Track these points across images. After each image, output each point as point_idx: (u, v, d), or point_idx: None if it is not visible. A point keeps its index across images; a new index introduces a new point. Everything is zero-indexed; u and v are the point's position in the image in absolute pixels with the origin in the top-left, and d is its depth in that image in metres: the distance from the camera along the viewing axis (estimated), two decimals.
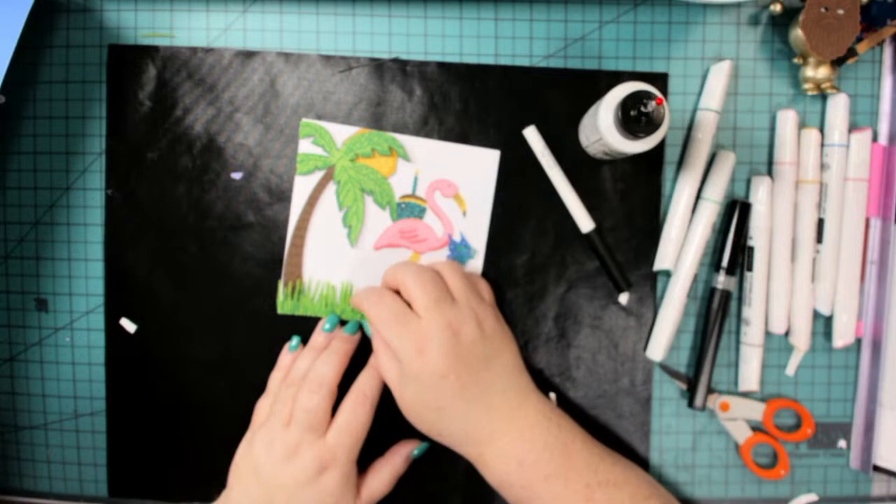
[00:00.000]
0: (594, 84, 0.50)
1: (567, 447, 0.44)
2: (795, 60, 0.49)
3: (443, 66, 0.50)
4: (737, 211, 0.50)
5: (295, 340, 0.51)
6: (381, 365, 0.46)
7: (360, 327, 0.51)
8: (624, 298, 0.51)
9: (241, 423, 0.49)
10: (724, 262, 0.50)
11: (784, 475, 0.51)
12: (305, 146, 0.51)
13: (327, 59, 0.50)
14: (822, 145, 0.50)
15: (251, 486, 0.45)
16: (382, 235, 0.51)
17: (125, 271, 0.51)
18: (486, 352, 0.45)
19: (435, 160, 0.51)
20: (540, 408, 0.46)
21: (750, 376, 0.50)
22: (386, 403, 0.47)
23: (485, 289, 0.49)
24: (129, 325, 0.52)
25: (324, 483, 0.45)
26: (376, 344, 0.47)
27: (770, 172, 0.51)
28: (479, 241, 0.51)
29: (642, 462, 0.52)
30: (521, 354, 0.48)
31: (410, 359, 0.44)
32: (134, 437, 0.52)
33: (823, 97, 0.51)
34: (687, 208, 0.50)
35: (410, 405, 0.45)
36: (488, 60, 0.51)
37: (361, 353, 0.49)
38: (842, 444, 0.52)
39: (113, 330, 0.52)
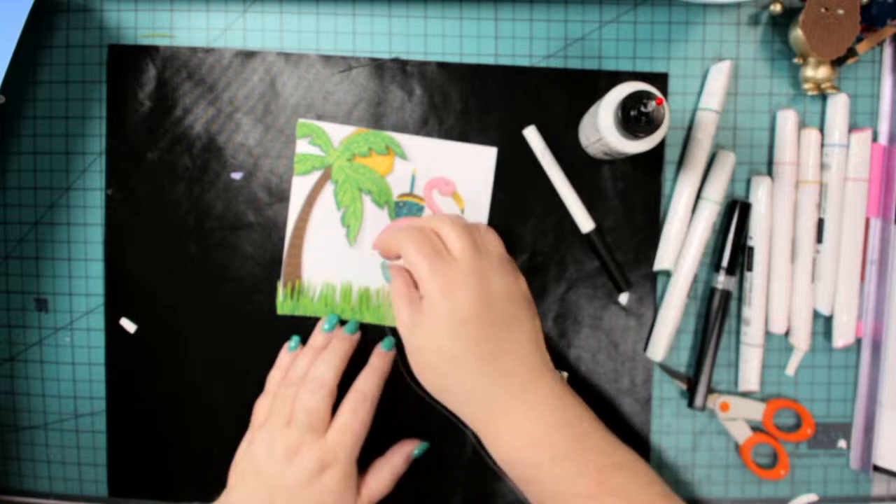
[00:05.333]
0: (594, 84, 0.50)
1: (576, 428, 0.43)
2: (795, 60, 0.49)
3: (443, 66, 0.50)
4: (737, 211, 0.50)
5: (294, 340, 0.51)
6: (397, 308, 0.44)
7: (360, 327, 0.51)
8: (624, 298, 0.51)
9: (241, 423, 0.49)
10: (724, 262, 0.50)
11: (784, 475, 0.51)
12: (303, 146, 0.51)
13: (327, 59, 0.50)
14: (822, 145, 0.50)
15: (252, 486, 0.45)
16: None
17: (125, 271, 0.51)
18: (510, 313, 0.44)
19: (432, 158, 0.51)
20: (552, 387, 0.44)
21: (750, 376, 0.50)
22: (386, 403, 0.48)
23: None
24: (129, 325, 0.52)
25: (324, 483, 0.45)
26: (395, 285, 0.45)
27: (770, 172, 0.51)
28: None
29: None
30: (542, 332, 0.46)
31: (434, 297, 0.42)
32: (134, 437, 0.52)
33: (823, 97, 0.51)
34: (687, 208, 0.50)
35: (421, 352, 0.43)
36: (488, 60, 0.51)
37: (361, 353, 0.49)
38: (842, 444, 0.52)
39: (113, 330, 0.52)
